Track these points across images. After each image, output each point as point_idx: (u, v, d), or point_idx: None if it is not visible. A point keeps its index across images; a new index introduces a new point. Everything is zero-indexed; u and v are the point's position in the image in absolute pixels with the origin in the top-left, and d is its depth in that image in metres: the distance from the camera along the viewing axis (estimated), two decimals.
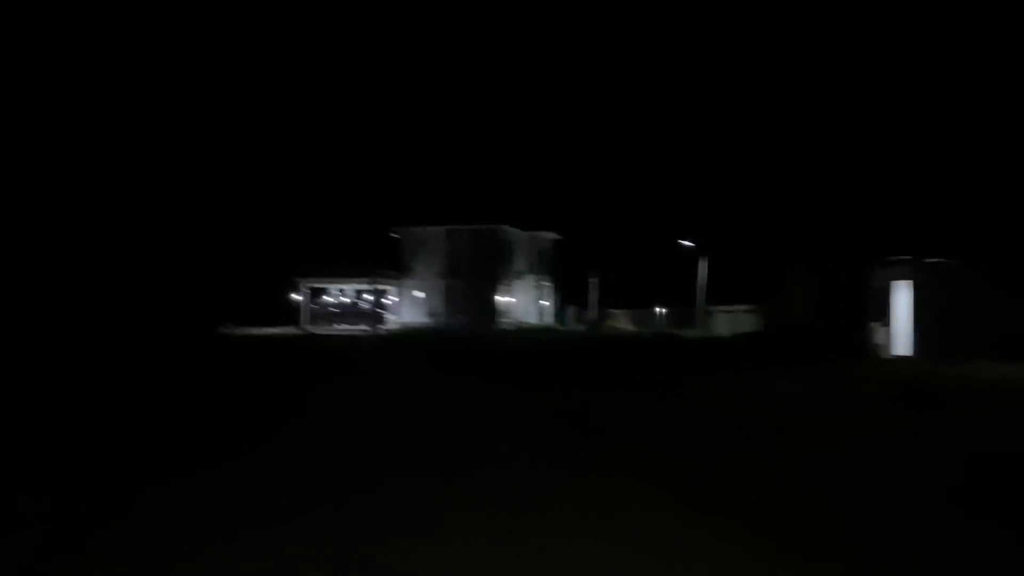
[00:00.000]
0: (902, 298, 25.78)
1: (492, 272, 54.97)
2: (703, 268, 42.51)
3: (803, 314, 28.24)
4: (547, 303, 62.68)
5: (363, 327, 50.20)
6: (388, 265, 55.56)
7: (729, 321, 42.05)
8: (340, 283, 55.05)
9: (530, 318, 59.11)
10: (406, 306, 56.19)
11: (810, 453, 9.42)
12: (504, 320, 54.72)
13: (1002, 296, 26.04)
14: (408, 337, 40.72)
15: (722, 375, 20.04)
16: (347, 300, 55.62)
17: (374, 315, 52.47)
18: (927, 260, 25.59)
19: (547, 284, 62.27)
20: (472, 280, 54.17)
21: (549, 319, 60.61)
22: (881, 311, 26.05)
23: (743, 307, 41.34)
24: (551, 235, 60.34)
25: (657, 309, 50.18)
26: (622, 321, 47.11)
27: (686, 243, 42.83)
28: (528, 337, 40.11)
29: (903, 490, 7.66)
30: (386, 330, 49.42)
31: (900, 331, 25.69)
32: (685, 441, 10.23)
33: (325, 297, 55.89)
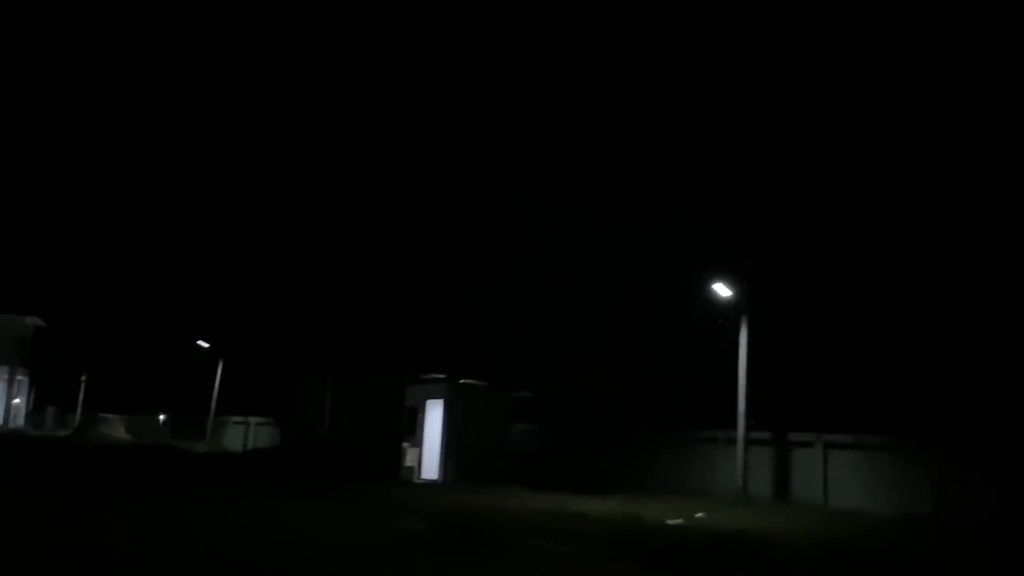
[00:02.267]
0: (434, 418, 24.88)
1: None
2: (218, 373, 38.35)
3: (330, 430, 25.91)
4: (18, 401, 52.29)
5: None
6: None
7: (244, 433, 38.19)
8: None
9: None
10: None
11: None
12: None
13: (523, 423, 26.69)
14: None
15: (241, 500, 16.69)
16: None
17: None
18: (461, 381, 25.15)
19: (22, 379, 52.12)
20: None
21: (20, 420, 50.44)
22: (412, 430, 24.78)
23: (259, 419, 37.88)
24: (34, 319, 50.96)
25: (161, 416, 44.18)
26: (117, 428, 40.45)
27: (203, 344, 38.40)
28: None
29: None
30: None
31: (430, 453, 24.62)
32: None
33: None
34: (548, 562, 11.16)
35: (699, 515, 17.44)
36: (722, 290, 20.46)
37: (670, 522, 16.22)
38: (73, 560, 9.50)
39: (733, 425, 22.45)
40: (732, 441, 22.18)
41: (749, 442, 21.15)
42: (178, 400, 42.81)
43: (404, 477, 23.59)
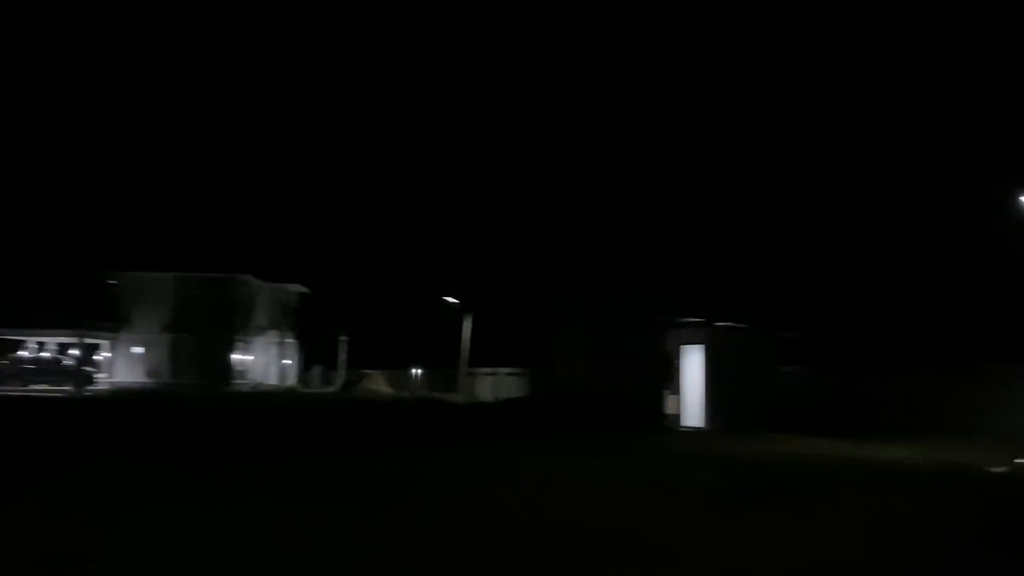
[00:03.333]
0: (693, 364, 23.82)
1: (228, 326, 48.54)
2: (467, 327, 39.36)
3: (584, 380, 25.55)
4: (290, 362, 56.78)
5: (68, 387, 41.83)
6: (102, 316, 47.35)
7: (493, 384, 39.06)
8: (39, 335, 46.02)
9: (270, 379, 52.99)
10: (121, 364, 48.13)
11: None
12: (240, 381, 48.34)
13: (789, 365, 25.02)
14: (115, 401, 33.68)
15: (516, 452, 16.53)
16: (47, 356, 46.56)
17: (79, 374, 44.07)
18: (719, 324, 23.87)
19: (291, 341, 56.46)
20: (204, 335, 47.37)
21: (292, 380, 54.76)
22: (670, 378, 23.86)
23: (507, 370, 38.55)
24: (297, 287, 54.87)
25: (414, 371, 46.28)
26: (378, 383, 42.78)
27: (450, 299, 39.53)
28: (268, 401, 34.63)
29: None
30: (94, 391, 41.47)
31: (691, 400, 23.64)
32: None
33: (21, 352, 46.46)
34: (874, 516, 9.88)
35: (1020, 460, 15.31)
36: None
37: (994, 470, 14.31)
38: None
39: None
40: None
41: None
42: (431, 354, 44.56)
43: (668, 425, 22.77)
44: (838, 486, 11.87)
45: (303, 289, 55.25)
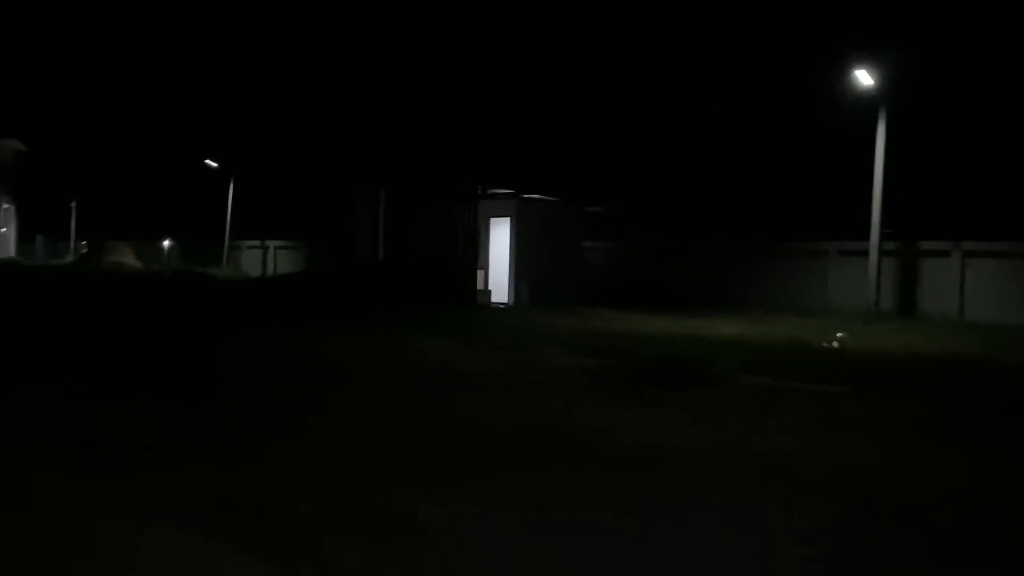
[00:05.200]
0: (500, 238, 22.52)
1: None
2: (232, 195, 35.45)
3: (386, 252, 23.47)
4: (6, 231, 49.19)
5: None
6: None
7: (260, 258, 35.75)
8: None
9: None
10: None
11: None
12: None
13: (593, 240, 24.46)
14: None
15: (329, 332, 14.46)
16: None
17: None
18: (528, 196, 22.61)
19: (8, 207, 48.75)
20: None
21: (11, 251, 47.53)
22: (476, 252, 22.44)
23: (279, 242, 35.36)
24: (14, 143, 46.99)
25: (166, 242, 41.42)
26: (125, 255, 37.82)
27: (210, 162, 35.17)
28: None
29: None
30: None
31: (498, 275, 22.44)
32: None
33: None
34: (792, 400, 9.08)
35: (840, 335, 15.57)
36: (864, 77, 17.60)
37: (828, 344, 14.32)
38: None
39: (841, 236, 20.40)
40: (845, 253, 20.19)
41: (859, 253, 19.11)
42: (184, 225, 40.00)
43: (480, 301, 21.45)
44: (712, 365, 11.04)
45: (20, 147, 47.49)
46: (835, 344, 14.42)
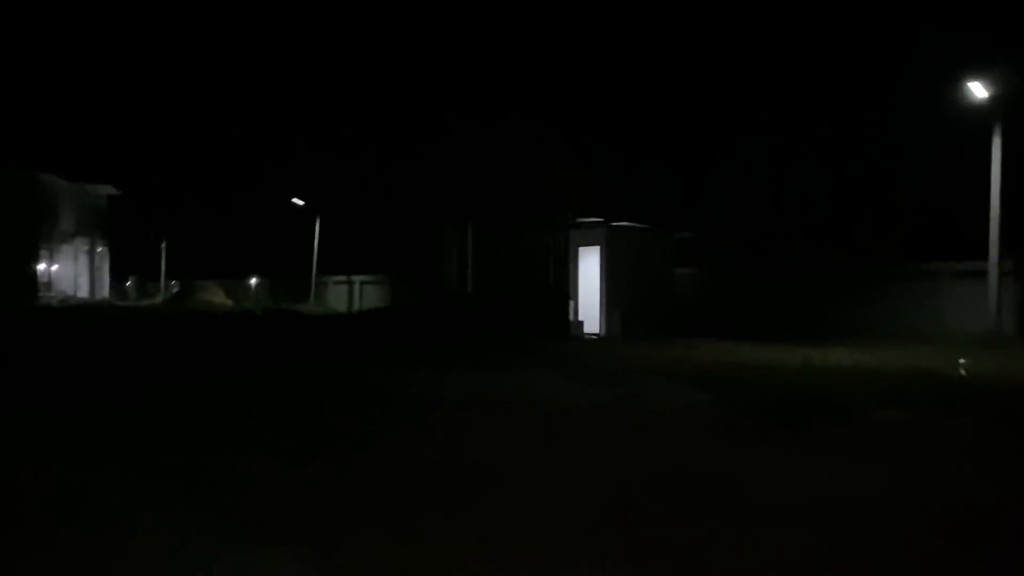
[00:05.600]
0: (590, 266, 22.10)
1: (28, 232, 42.31)
2: (318, 231, 35.88)
3: (472, 285, 23.27)
4: (102, 272, 50.84)
5: None
6: None
7: (347, 293, 36.04)
8: None
9: (81, 291, 47.15)
10: None
11: None
12: (47, 294, 42.54)
13: (683, 267, 23.82)
14: None
15: (428, 368, 14.18)
16: None
17: None
18: (618, 224, 22.15)
19: (102, 249, 50.41)
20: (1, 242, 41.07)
21: (105, 291, 49.07)
22: (567, 282, 22.05)
23: (363, 277, 35.60)
24: (107, 188, 48.66)
25: (253, 280, 42.17)
26: (216, 294, 38.59)
27: (296, 200, 35.72)
28: (89, 316, 30.05)
29: None
30: None
31: (588, 305, 21.98)
32: None
33: None
34: (924, 434, 8.41)
35: (963, 361, 14.64)
36: (978, 89, 16.71)
37: (961, 372, 13.46)
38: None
39: (953, 256, 19.40)
40: (958, 274, 19.15)
41: (982, 273, 18.07)
42: (271, 262, 40.66)
43: (573, 333, 21.02)
44: (842, 399, 10.37)
45: (113, 191, 49.15)
46: (962, 372, 13.58)
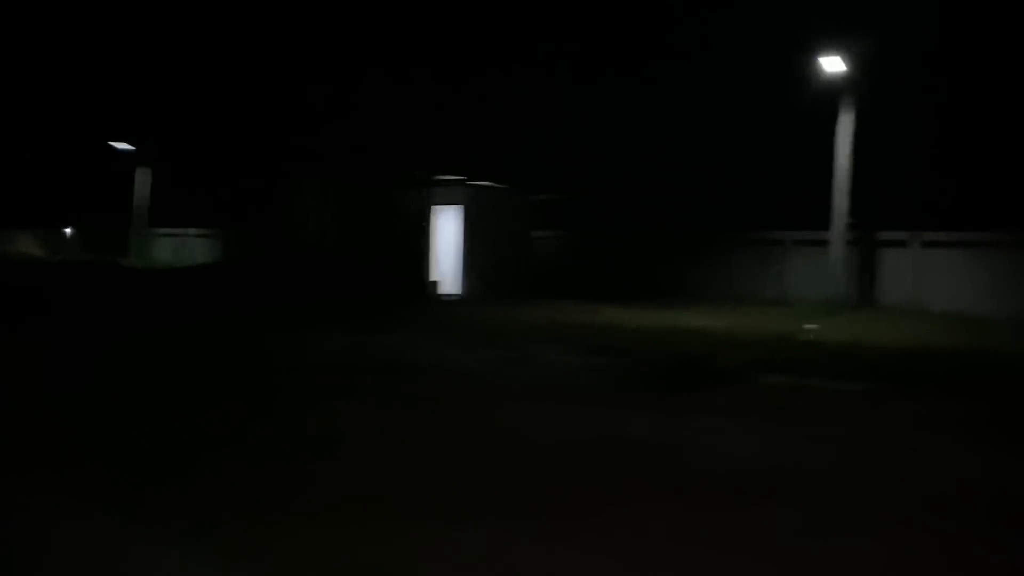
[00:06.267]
0: (448, 227, 21.62)
1: None
2: (144, 180, 33.20)
3: (319, 241, 22.25)
4: None
5: None
6: None
7: (172, 248, 33.65)
8: None
9: None
10: None
11: None
12: None
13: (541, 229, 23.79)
14: None
15: (285, 329, 13.36)
16: None
17: None
18: (479, 183, 21.75)
19: None
20: None
21: None
22: (427, 242, 21.51)
23: (195, 231, 33.33)
24: None
25: (68, 229, 38.58)
26: (27, 244, 35.00)
27: (119, 145, 32.80)
28: None
29: None
30: None
31: (446, 266, 21.54)
32: None
33: None
34: (835, 402, 8.66)
35: (809, 326, 15.39)
36: (831, 64, 17.37)
37: (811, 336, 14.07)
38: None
39: (797, 226, 20.41)
40: (801, 243, 20.16)
41: (824, 242, 19.10)
42: (89, 212, 37.31)
43: (429, 293, 20.51)
44: (721, 363, 10.55)
45: None
46: (811, 336, 14.22)
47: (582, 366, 10.43)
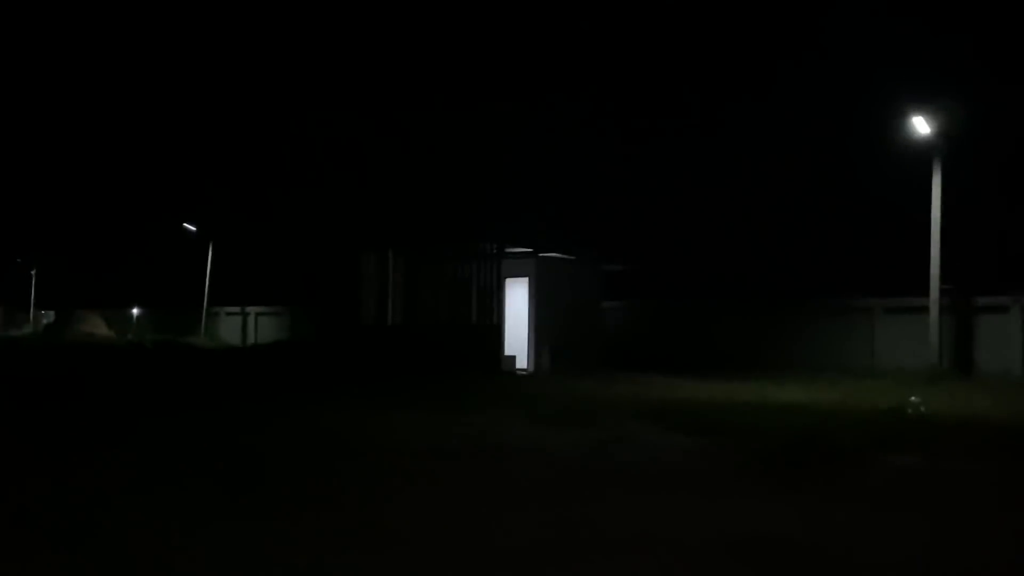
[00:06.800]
0: (517, 299, 21.21)
1: None
2: (211, 259, 33.63)
3: (387, 317, 21.98)
4: None
5: None
6: None
7: (240, 326, 33.83)
8: None
9: None
10: None
11: None
12: None
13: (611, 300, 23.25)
14: None
15: (363, 409, 12.89)
16: None
17: None
18: (547, 255, 21.37)
19: None
20: None
21: None
22: (501, 316, 21.09)
23: (259, 309, 33.52)
24: None
25: (135, 310, 39.14)
26: (96, 324, 35.52)
27: (189, 227, 33.38)
28: None
29: None
30: None
31: (516, 338, 21.05)
32: None
33: None
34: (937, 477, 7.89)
35: (914, 399, 14.47)
36: (920, 125, 16.78)
37: (921, 409, 13.18)
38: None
39: (884, 292, 19.56)
40: (890, 310, 19.28)
41: (914, 309, 18.22)
42: (154, 291, 37.86)
43: (506, 368, 20.00)
44: (837, 441, 9.80)
45: None
46: (922, 409, 13.34)
47: (686, 448, 9.76)
